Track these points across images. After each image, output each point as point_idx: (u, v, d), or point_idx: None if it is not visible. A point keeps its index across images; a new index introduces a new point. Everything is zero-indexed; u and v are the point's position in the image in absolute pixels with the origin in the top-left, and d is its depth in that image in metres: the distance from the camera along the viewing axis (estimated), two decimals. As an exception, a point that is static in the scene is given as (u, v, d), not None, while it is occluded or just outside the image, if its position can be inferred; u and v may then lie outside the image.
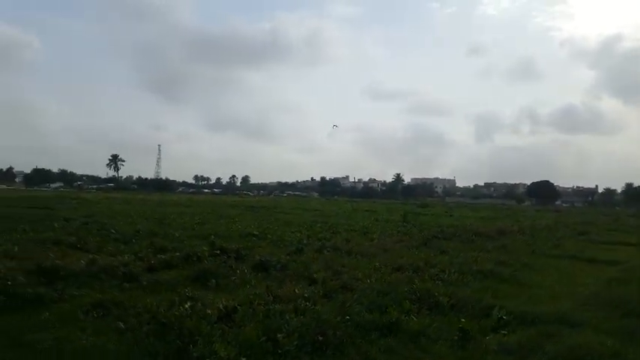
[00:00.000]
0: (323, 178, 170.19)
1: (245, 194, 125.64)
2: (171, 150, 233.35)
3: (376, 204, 67.38)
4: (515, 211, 55.64)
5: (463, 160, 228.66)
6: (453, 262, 11.84)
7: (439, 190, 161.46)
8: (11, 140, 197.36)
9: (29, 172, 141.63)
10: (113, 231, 14.91)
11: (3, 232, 13.91)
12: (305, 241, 14.49)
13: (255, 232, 16.36)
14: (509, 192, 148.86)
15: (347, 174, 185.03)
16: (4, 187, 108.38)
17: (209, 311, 5.49)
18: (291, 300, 6.97)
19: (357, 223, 24.25)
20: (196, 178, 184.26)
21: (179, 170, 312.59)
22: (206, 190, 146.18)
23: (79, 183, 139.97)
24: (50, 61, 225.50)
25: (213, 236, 13.94)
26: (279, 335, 5.02)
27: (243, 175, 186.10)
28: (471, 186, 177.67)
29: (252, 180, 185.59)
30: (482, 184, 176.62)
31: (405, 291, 7.83)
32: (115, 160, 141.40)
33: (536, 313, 7.04)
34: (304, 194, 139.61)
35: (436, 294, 7.85)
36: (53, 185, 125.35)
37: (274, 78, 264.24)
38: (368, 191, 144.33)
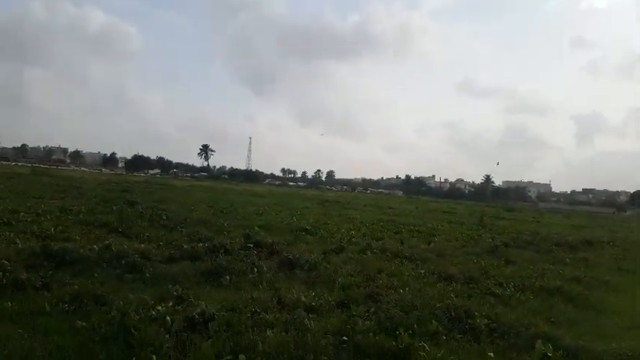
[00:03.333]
0: (408, 177, 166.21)
1: (328, 189, 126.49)
2: (262, 142, 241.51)
3: (460, 206, 63.77)
4: (612, 221, 49.64)
5: (561, 163, 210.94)
6: (516, 274, 10.20)
7: (532, 194, 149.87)
8: (115, 127, 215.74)
9: (130, 158, 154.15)
10: (165, 217, 14.97)
11: (62, 211, 14.60)
12: (354, 240, 13.46)
13: (307, 227, 15.61)
14: (609, 200, 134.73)
15: (433, 173, 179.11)
16: (108, 171, 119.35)
17: (169, 318, 4.71)
18: (295, 307, 6.10)
19: (427, 224, 22.60)
20: (283, 170, 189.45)
21: (269, 162, 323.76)
22: (291, 183, 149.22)
23: (174, 170, 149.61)
24: (150, 51, 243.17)
25: (257, 228, 13.40)
26: (241, 356, 4.14)
27: (329, 170, 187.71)
28: (568, 192, 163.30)
29: (337, 175, 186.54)
30: (581, 190, 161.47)
31: (438, 307, 6.58)
32: (205, 150, 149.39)
33: (597, 352, 5.47)
34: (387, 192, 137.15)
35: (475, 314, 6.50)
36: (151, 171, 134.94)
37: (364, 72, 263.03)
38: (454, 192, 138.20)
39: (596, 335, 6.38)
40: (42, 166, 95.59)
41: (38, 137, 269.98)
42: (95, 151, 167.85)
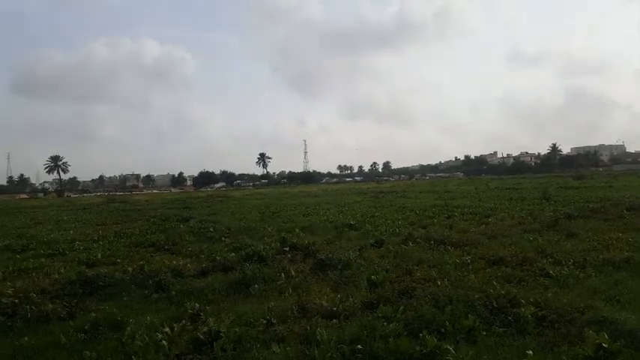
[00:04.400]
0: (467, 157, 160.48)
1: (385, 180, 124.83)
2: (317, 143, 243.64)
3: (524, 180, 60.43)
4: None
5: (632, 121, 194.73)
6: (578, 249, 9.20)
7: (605, 158, 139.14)
8: (180, 148, 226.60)
9: (196, 175, 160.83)
10: (212, 229, 15.10)
11: (117, 235, 15.12)
12: (398, 230, 12.82)
13: (352, 222, 15.15)
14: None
15: (495, 150, 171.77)
16: (176, 190, 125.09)
17: (165, 343, 4.44)
18: (317, 314, 5.70)
19: (484, 204, 21.35)
20: (340, 167, 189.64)
21: (324, 162, 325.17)
22: (348, 179, 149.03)
23: (238, 182, 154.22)
24: (202, 72, 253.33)
25: (298, 230, 13.12)
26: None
27: (385, 161, 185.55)
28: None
29: (394, 165, 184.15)
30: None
31: (477, 298, 5.91)
32: (262, 158, 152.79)
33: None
34: (447, 175, 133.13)
35: (522, 301, 5.78)
36: (216, 185, 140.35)
37: (408, 59, 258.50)
38: (519, 166, 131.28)
39: (670, 313, 5.47)
40: (118, 193, 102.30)
41: (114, 167, 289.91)
42: (165, 173, 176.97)
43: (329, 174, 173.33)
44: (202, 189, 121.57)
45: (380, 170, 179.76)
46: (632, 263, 7.75)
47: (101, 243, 13.51)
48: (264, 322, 5.29)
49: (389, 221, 15.42)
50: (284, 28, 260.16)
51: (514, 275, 7.44)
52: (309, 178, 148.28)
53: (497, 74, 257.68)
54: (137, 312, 6.20)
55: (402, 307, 5.74)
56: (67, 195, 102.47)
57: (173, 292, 7.10)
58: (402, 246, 10.14)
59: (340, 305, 5.85)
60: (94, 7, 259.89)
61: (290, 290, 6.88)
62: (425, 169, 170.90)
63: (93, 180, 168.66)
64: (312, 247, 10.06)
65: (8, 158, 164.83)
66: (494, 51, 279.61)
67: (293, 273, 7.80)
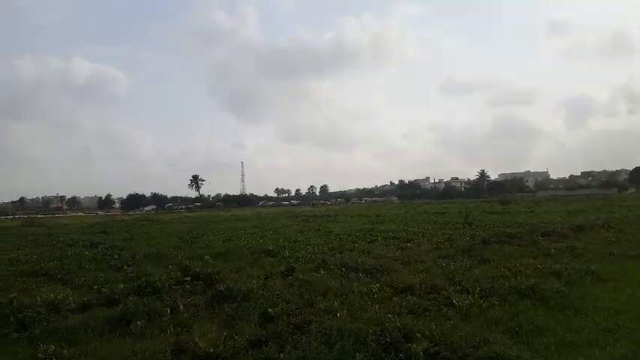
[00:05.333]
0: (401, 182, 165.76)
1: (322, 203, 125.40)
2: (254, 165, 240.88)
3: (453, 205, 62.71)
4: (612, 201, 48.66)
5: (556, 150, 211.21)
6: (487, 275, 9.14)
7: (531, 184, 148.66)
8: (110, 170, 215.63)
9: (125, 197, 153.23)
10: (117, 257, 13.86)
11: (10, 262, 13.49)
12: (315, 257, 12.32)
13: (270, 248, 14.50)
14: (609, 180, 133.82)
15: (427, 175, 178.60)
16: (102, 213, 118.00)
17: None
18: (193, 356, 5.01)
19: (409, 228, 21.48)
20: (277, 190, 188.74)
21: (262, 184, 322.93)
22: (285, 202, 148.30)
23: (169, 205, 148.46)
24: (135, 93, 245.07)
25: (208, 256, 12.28)
26: None
27: (322, 184, 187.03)
28: (567, 177, 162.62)
29: (331, 189, 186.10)
30: (580, 174, 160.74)
31: (371, 333, 5.47)
32: (195, 180, 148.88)
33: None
34: (382, 199, 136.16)
35: (418, 335, 5.42)
36: (146, 208, 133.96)
37: (345, 85, 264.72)
38: (450, 191, 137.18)
39: (565, 346, 5.31)
40: (38, 216, 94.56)
41: (35, 188, 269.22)
42: (92, 194, 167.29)
43: (266, 197, 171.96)
44: (131, 212, 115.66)
45: (317, 194, 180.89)
46: (537, 291, 7.69)
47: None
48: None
49: (309, 247, 14.92)
50: (221, 49, 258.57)
51: (420, 305, 7.12)
52: (245, 201, 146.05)
53: (430, 102, 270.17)
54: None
55: (288, 347, 5.18)
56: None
57: (37, 331, 6.10)
58: (314, 273, 9.63)
59: (222, 346, 5.19)
60: (20, 23, 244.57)
61: (171, 328, 6.10)
62: (361, 193, 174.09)
63: (13, 202, 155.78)
64: (215, 276, 9.28)
65: None
66: (428, 79, 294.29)
67: (181, 307, 7.01)
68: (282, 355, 4.94)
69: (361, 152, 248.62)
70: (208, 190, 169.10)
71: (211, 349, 5.03)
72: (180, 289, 8.58)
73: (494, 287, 8.02)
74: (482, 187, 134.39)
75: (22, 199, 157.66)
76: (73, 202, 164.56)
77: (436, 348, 5.10)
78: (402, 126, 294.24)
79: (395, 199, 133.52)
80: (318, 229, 23.36)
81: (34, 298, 7.94)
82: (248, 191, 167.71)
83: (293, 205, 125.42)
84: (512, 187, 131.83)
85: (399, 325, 5.67)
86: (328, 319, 6.32)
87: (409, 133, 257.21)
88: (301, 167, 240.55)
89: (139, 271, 10.95)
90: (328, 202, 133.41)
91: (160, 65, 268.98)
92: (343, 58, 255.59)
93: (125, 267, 11.99)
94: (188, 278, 9.22)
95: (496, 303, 7.12)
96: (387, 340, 5.30)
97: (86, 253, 15.69)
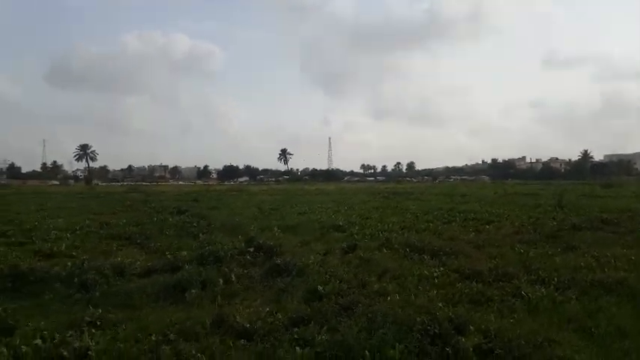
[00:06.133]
0: (494, 160, 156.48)
1: (408, 180, 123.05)
2: (342, 141, 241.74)
3: (551, 186, 58.03)
4: None
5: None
6: (569, 265, 8.17)
7: (639, 166, 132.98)
8: (208, 141, 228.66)
9: (221, 168, 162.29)
10: (195, 225, 14.54)
11: (101, 226, 14.72)
12: (382, 234, 11.92)
13: (340, 223, 14.33)
14: None
15: (524, 154, 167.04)
16: (201, 182, 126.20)
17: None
18: (230, 331, 4.98)
19: (494, 210, 20.11)
20: (363, 167, 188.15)
21: (349, 160, 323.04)
22: (370, 179, 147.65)
23: (260, 177, 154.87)
24: (230, 68, 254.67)
25: (276, 228, 12.35)
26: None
27: (409, 161, 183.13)
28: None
29: (419, 166, 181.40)
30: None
31: (420, 321, 5.04)
32: (284, 154, 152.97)
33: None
34: (472, 178, 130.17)
35: (471, 328, 4.91)
36: (240, 179, 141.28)
37: (439, 58, 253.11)
38: (547, 172, 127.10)
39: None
40: (144, 183, 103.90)
41: (143, 158, 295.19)
42: (192, 165, 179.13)
43: (352, 173, 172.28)
44: (226, 182, 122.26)
45: (404, 171, 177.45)
46: (626, 286, 6.71)
47: (78, 233, 13.09)
48: (161, 338, 4.59)
49: (380, 224, 14.52)
50: (312, 24, 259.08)
51: (484, 293, 6.52)
52: (331, 176, 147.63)
53: (530, 76, 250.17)
54: (42, 314, 5.59)
55: (325, 328, 4.96)
56: (95, 183, 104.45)
57: (97, 294, 6.48)
58: (376, 252, 9.29)
59: (259, 322, 5.09)
60: (127, 2, 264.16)
61: (219, 299, 6.15)
62: (450, 171, 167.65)
63: (122, 169, 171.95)
64: (277, 248, 9.31)
65: (43, 145, 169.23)
66: (528, 52, 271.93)
67: (233, 278, 7.06)
68: (318, 337, 4.72)
69: (453, 129, 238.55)
70: (297, 163, 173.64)
71: (248, 325, 4.94)
72: (242, 259, 8.71)
73: (575, 279, 7.13)
74: (584, 168, 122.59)
75: (129, 167, 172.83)
76: (175, 171, 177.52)
77: (490, 344, 4.57)
78: (498, 102, 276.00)
79: (486, 178, 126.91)
80: (396, 207, 22.76)
81: (108, 260, 8.50)
82: (335, 166, 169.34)
83: (378, 181, 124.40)
84: (618, 170, 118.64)
85: (451, 314, 5.19)
86: (379, 302, 5.99)
87: (506, 110, 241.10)
88: (389, 143, 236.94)
89: (211, 239, 11.34)
90: (414, 180, 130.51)
91: (254, 41, 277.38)
92: (437, 31, 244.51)
93: (200, 235, 12.50)
94: (251, 249, 9.34)
95: (573, 297, 6.29)
96: (436, 331, 4.86)
97: (170, 219, 16.68)
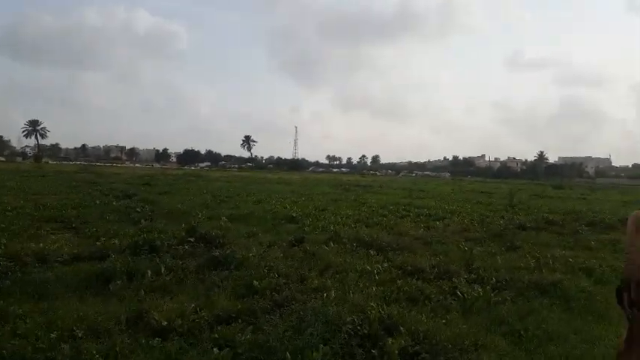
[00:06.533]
0: (455, 157, 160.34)
1: (372, 173, 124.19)
2: (309, 131, 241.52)
3: (506, 185, 59.78)
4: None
5: (622, 136, 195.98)
6: (510, 265, 8.23)
7: (591, 170, 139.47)
8: (169, 124, 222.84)
9: (181, 152, 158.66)
10: (138, 210, 13.90)
11: (36, 207, 13.87)
12: (333, 228, 11.76)
13: (293, 215, 14.08)
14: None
15: (484, 153, 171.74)
16: (159, 166, 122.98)
17: None
18: (145, 329, 4.64)
19: (449, 206, 20.35)
20: (329, 157, 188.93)
21: (315, 150, 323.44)
22: (335, 170, 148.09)
23: (223, 163, 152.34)
24: (196, 49, 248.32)
25: (224, 218, 11.97)
26: None
27: (374, 154, 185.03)
28: (630, 166, 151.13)
29: (383, 160, 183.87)
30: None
31: (350, 321, 4.85)
32: (247, 141, 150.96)
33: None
34: (434, 174, 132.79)
35: (402, 329, 4.75)
36: (201, 165, 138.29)
37: (406, 53, 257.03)
38: (505, 171, 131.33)
39: (574, 359, 4.49)
40: (97, 164, 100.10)
41: (98, 137, 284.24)
42: (151, 147, 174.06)
43: (317, 163, 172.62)
44: (186, 167, 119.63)
45: (369, 163, 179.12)
46: (560, 288, 6.76)
47: (8, 214, 12.25)
48: (67, 334, 4.20)
49: (334, 217, 14.36)
50: (284, 9, 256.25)
51: (423, 291, 6.42)
52: (296, 165, 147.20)
53: (494, 76, 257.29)
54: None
55: (251, 327, 4.69)
56: (45, 161, 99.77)
57: (8, 282, 5.95)
58: (323, 246, 9.09)
59: (178, 320, 4.75)
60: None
61: (142, 293, 5.75)
62: (413, 167, 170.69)
63: (76, 148, 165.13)
64: (220, 239, 8.95)
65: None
66: (494, 52, 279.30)
67: (163, 270, 6.67)
68: (242, 337, 4.44)
69: (418, 124, 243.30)
70: (263, 152, 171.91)
71: (165, 322, 4.61)
72: (181, 249, 8.30)
73: (513, 279, 7.13)
74: (539, 169, 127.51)
75: (83, 147, 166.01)
76: (132, 153, 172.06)
77: (417, 347, 4.42)
78: (462, 100, 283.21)
79: (447, 175, 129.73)
80: (354, 200, 22.72)
81: (34, 245, 7.92)
82: (301, 156, 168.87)
83: (342, 172, 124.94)
84: (570, 172, 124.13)
85: (383, 314, 5.02)
86: (315, 298, 5.77)
87: (469, 109, 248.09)
88: (356, 135, 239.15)
89: (152, 226, 10.85)
90: (378, 173, 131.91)
91: (222, 22, 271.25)
92: (408, 25, 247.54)
93: (143, 221, 11.94)
94: (192, 239, 8.93)
95: (508, 298, 6.27)
96: (365, 331, 4.68)
97: (114, 203, 15.95)
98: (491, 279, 7.12)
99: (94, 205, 15.08)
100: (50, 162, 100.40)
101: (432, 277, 7.29)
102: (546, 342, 4.86)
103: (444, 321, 5.23)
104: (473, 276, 7.42)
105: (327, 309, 5.13)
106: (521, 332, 5.09)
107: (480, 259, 8.54)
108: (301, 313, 5.12)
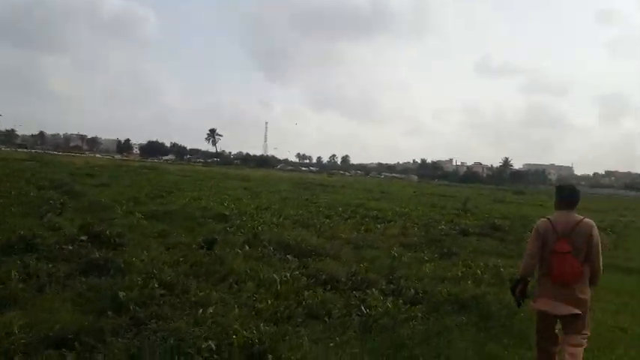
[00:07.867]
0: (424, 161, 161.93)
1: (341, 174, 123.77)
2: (280, 128, 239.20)
3: (469, 189, 60.34)
4: (630, 203, 45.64)
5: (584, 145, 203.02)
6: (435, 274, 7.51)
7: (553, 177, 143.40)
8: (133, 114, 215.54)
9: (145, 144, 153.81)
10: (52, 202, 12.58)
11: None
12: (263, 228, 10.84)
13: (226, 213, 13.07)
14: (632, 182, 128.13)
15: (451, 157, 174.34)
16: (119, 157, 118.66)
17: None
18: None
19: (402, 209, 19.72)
20: (298, 156, 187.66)
21: (285, 148, 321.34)
22: (304, 169, 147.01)
23: (188, 156, 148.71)
24: (166, 37, 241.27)
25: (138, 214, 10.85)
26: None
27: (344, 154, 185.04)
28: (591, 174, 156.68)
29: (353, 160, 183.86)
30: (604, 173, 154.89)
31: (206, 347, 3.95)
32: (212, 135, 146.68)
33: None
34: (402, 176, 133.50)
35: (270, 357, 3.87)
36: (165, 157, 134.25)
37: (379, 52, 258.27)
38: (470, 176, 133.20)
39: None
40: (55, 152, 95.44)
41: (58, 125, 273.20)
42: (113, 137, 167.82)
43: (286, 161, 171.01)
44: (149, 159, 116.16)
45: (339, 163, 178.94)
46: (482, 303, 6.04)
47: None
48: None
49: (273, 217, 13.40)
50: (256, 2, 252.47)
51: (325, 305, 5.59)
52: (265, 162, 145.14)
53: (464, 80, 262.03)
54: None
55: (71, 354, 3.73)
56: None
57: None
58: (237, 250, 8.14)
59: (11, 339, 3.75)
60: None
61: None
62: (383, 168, 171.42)
63: (33, 135, 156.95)
64: (115, 239, 7.90)
65: None
66: (465, 55, 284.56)
67: (13, 275, 5.58)
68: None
69: (388, 126, 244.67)
70: (232, 146, 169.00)
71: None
72: (66, 250, 7.18)
73: (433, 291, 6.39)
74: (504, 175, 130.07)
75: (41, 134, 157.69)
76: (94, 142, 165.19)
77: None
78: (433, 103, 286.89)
79: (415, 177, 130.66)
80: (307, 200, 21.84)
81: None
82: (270, 153, 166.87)
83: (311, 172, 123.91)
84: (534, 179, 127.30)
85: (253, 338, 4.14)
86: (187, 315, 4.84)
87: (440, 112, 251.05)
88: (326, 134, 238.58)
89: (54, 221, 9.67)
90: (347, 174, 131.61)
91: (192, 11, 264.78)
92: (382, 23, 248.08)
93: (48, 214, 10.69)
94: (84, 237, 7.84)
95: (420, 314, 5.50)
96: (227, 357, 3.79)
97: (31, 194, 14.51)
98: (410, 290, 6.36)
99: (9, 196, 13.66)
100: (3, 149, 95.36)
101: (346, 287, 6.51)
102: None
103: (332, 344, 4.40)
104: (392, 286, 6.67)
105: (188, 330, 4.22)
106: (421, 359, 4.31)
107: (406, 267, 7.81)
108: (158, 334, 4.20)
